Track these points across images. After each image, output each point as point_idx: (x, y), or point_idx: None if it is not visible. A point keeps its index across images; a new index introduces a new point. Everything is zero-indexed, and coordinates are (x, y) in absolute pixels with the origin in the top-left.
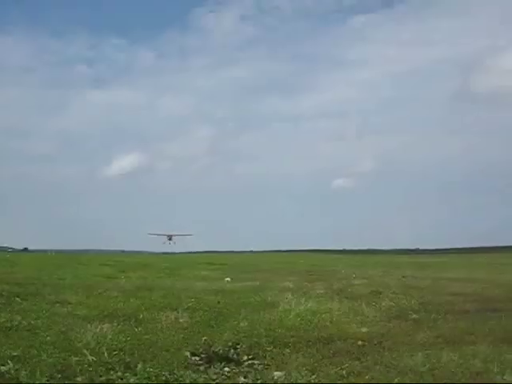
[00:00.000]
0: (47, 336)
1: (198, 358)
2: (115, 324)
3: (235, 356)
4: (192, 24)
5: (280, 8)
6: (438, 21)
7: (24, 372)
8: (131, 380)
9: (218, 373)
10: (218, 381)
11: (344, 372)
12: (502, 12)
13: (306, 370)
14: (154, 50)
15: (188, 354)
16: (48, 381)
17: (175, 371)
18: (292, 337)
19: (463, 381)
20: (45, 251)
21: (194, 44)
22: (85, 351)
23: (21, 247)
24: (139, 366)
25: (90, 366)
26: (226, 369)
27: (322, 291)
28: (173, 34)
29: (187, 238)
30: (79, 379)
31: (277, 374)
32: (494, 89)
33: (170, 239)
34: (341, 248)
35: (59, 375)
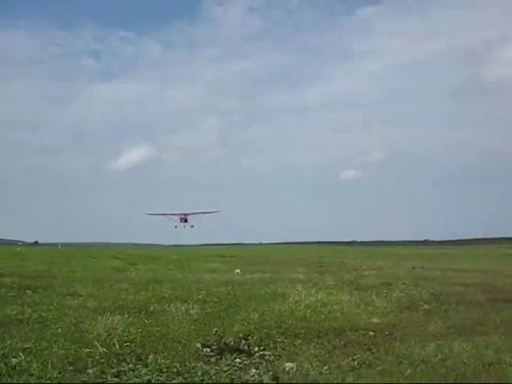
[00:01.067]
0: (58, 328)
1: (209, 350)
2: (126, 316)
3: (246, 347)
4: (200, 16)
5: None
6: (445, 12)
7: (35, 364)
8: (142, 371)
9: (229, 364)
10: (229, 372)
11: (355, 363)
12: (508, 3)
13: (318, 360)
14: (161, 41)
15: (199, 345)
16: (59, 373)
17: (186, 363)
18: (303, 328)
19: (476, 371)
20: (55, 244)
21: (201, 36)
22: (96, 343)
23: (31, 240)
24: (150, 357)
25: (101, 357)
26: (237, 360)
27: (331, 283)
28: (181, 25)
29: (210, 217)
30: (90, 371)
31: (288, 364)
32: (501, 80)
33: (184, 221)
34: (350, 240)
35: (70, 367)
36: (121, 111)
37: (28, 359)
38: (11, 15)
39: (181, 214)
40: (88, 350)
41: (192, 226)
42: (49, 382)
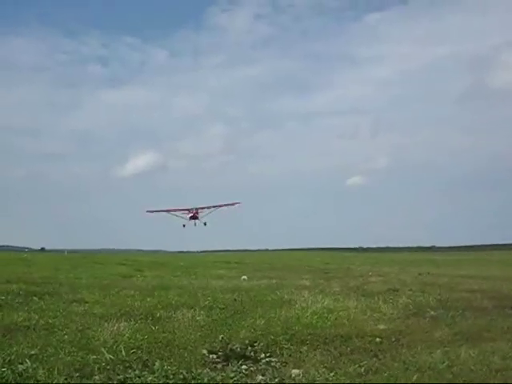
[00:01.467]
0: (65, 335)
1: (215, 356)
2: (132, 322)
3: (252, 354)
4: (205, 23)
5: (294, 6)
6: (452, 18)
7: (42, 371)
8: (149, 378)
9: (236, 371)
10: (235, 379)
11: (362, 369)
12: None
13: (324, 367)
14: (167, 48)
15: (205, 351)
16: (66, 379)
17: (193, 369)
18: (309, 334)
19: (482, 378)
20: (61, 251)
21: (207, 43)
22: (102, 350)
23: (38, 247)
24: (157, 364)
25: (107, 364)
26: (244, 367)
27: (338, 289)
28: (186, 32)
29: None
30: (97, 377)
31: (294, 371)
32: (507, 85)
33: (193, 218)
34: (356, 246)
35: (77, 374)
36: (127, 118)
37: (34, 366)
38: (17, 22)
39: (190, 210)
40: (94, 356)
41: (205, 224)
42: None
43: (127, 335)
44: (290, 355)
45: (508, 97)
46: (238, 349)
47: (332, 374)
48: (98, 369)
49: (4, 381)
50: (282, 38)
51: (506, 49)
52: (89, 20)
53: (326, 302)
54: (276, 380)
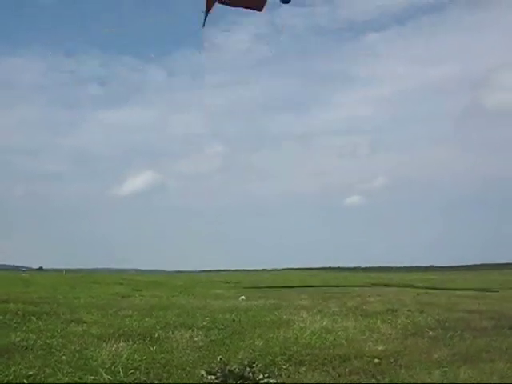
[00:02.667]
0: (62, 355)
1: (213, 377)
2: (130, 343)
3: (251, 375)
4: (204, 42)
5: (294, 26)
6: (449, 38)
7: None
8: None
9: None
10: None
11: None
12: None
13: None
14: (165, 68)
15: (203, 372)
16: None
17: None
18: (308, 355)
19: None
20: (60, 270)
21: (206, 62)
22: (100, 370)
23: (36, 266)
24: None
25: None
26: None
27: (336, 309)
28: (185, 52)
29: None
30: None
31: None
32: (504, 105)
33: None
34: (354, 265)
35: None
36: (125, 137)
37: None
38: (17, 42)
39: None
40: (92, 377)
41: None
42: None
43: (125, 356)
44: (289, 376)
45: (505, 117)
46: (237, 369)
47: None
48: None
49: None
50: (280, 57)
51: (503, 69)
52: (88, 40)
53: (324, 323)
54: None
